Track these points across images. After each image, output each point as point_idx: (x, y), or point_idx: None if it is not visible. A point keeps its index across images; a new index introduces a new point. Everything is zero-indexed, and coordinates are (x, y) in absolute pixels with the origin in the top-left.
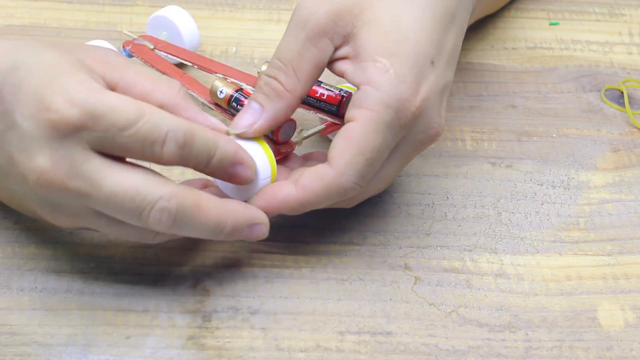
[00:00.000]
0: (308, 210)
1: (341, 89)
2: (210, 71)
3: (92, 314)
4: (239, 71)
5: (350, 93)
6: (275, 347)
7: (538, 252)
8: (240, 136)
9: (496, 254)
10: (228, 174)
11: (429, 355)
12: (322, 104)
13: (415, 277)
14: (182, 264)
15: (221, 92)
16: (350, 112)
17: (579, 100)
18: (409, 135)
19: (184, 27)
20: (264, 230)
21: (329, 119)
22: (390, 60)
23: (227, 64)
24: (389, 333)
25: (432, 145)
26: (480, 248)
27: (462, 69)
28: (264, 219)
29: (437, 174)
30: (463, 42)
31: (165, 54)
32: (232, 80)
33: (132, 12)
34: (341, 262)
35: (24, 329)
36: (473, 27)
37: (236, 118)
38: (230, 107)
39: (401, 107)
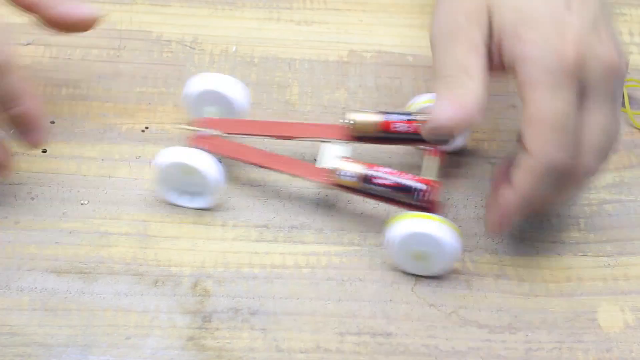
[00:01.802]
0: (536, 205)
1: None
2: (290, 137)
3: (92, 315)
4: (321, 125)
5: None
6: (275, 348)
7: (538, 253)
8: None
9: (496, 254)
10: (22, 130)
11: (429, 356)
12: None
13: (415, 277)
14: (182, 264)
15: (347, 175)
16: (522, 95)
17: None
18: (588, 79)
19: (235, 95)
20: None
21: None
22: (527, 27)
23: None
24: (389, 334)
25: None
26: (480, 249)
27: None
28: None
29: (437, 174)
30: None
31: (238, 135)
32: (344, 156)
33: (132, 10)
34: (341, 263)
35: (23, 330)
36: None
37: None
38: (363, 187)
39: (558, 59)
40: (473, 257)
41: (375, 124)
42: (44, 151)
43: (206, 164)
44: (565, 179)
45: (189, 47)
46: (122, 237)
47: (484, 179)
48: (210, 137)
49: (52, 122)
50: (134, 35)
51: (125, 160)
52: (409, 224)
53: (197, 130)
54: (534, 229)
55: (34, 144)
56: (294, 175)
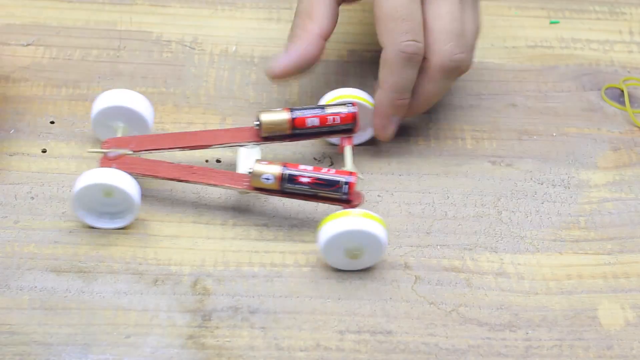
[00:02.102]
0: (404, 96)
1: (346, 103)
2: (202, 146)
3: (92, 314)
4: (232, 130)
5: (355, 103)
6: (275, 347)
7: (538, 251)
8: (275, 77)
9: (496, 252)
10: None
11: (429, 355)
12: (338, 127)
13: (415, 276)
14: (182, 264)
15: (267, 178)
16: (372, 3)
17: (579, 99)
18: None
19: (141, 108)
20: None
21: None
22: None
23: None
24: (389, 332)
25: (432, 144)
26: (480, 247)
27: None
28: None
29: (438, 173)
30: None
31: (147, 151)
32: (258, 159)
33: (132, 10)
34: None
35: (23, 329)
36: None
37: (272, 62)
38: (284, 188)
39: None
40: (473, 255)
41: (289, 122)
42: (44, 151)
43: (126, 183)
44: (427, 67)
45: (189, 47)
46: (121, 236)
47: (484, 178)
48: (121, 156)
49: (52, 122)
50: (134, 35)
51: None
52: (345, 223)
53: (107, 152)
54: (534, 226)
55: None
56: (213, 185)
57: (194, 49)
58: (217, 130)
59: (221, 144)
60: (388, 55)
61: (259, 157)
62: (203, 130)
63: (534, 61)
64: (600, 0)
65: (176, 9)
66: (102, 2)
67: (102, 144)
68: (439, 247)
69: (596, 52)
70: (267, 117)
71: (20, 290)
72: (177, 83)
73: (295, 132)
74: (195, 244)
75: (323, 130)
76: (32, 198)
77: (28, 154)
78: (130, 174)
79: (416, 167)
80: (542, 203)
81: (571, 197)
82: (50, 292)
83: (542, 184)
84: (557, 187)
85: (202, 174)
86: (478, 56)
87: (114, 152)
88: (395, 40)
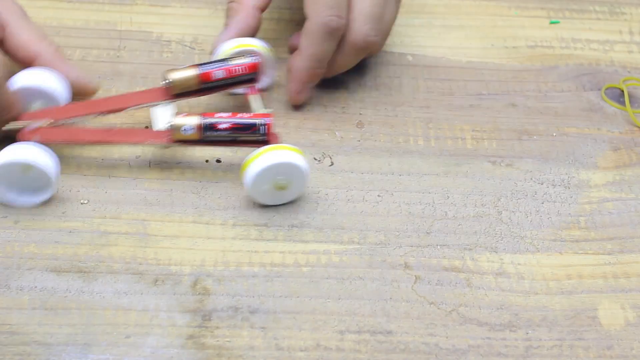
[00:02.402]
0: (322, 65)
1: (247, 54)
2: (117, 110)
3: (92, 314)
4: (144, 91)
5: (256, 52)
6: (275, 347)
7: (538, 251)
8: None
9: (496, 252)
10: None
11: (429, 355)
12: (244, 77)
13: (415, 276)
14: (181, 263)
15: (186, 129)
16: None
17: (579, 99)
18: None
19: (56, 85)
20: None
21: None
22: None
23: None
24: (389, 332)
25: (433, 144)
26: (480, 247)
27: (463, 67)
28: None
29: (438, 173)
30: (463, 41)
31: (63, 120)
32: (176, 113)
33: (132, 11)
34: (341, 261)
35: (23, 329)
36: (473, 26)
37: (216, 41)
38: (205, 137)
39: None
40: (473, 255)
41: (196, 77)
42: None
43: (42, 157)
44: (343, 41)
45: (189, 47)
46: (121, 236)
47: (484, 178)
48: (40, 128)
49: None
50: (134, 35)
51: (124, 160)
52: (272, 157)
53: (25, 125)
54: (534, 226)
55: None
56: (135, 143)
57: (194, 48)
58: (129, 93)
59: (134, 106)
60: (311, 27)
61: (174, 113)
62: (115, 95)
63: (534, 61)
64: (600, 0)
65: (176, 9)
66: (102, 2)
67: (19, 119)
68: (439, 247)
69: (596, 52)
70: (177, 75)
71: (20, 290)
72: None
73: (203, 86)
74: (195, 244)
75: (228, 82)
76: None
77: None
78: (51, 144)
79: (416, 167)
80: (542, 203)
81: (571, 197)
82: (50, 292)
83: (542, 184)
84: (557, 187)
85: (123, 134)
86: (478, 56)
87: (32, 124)
88: (320, 13)
